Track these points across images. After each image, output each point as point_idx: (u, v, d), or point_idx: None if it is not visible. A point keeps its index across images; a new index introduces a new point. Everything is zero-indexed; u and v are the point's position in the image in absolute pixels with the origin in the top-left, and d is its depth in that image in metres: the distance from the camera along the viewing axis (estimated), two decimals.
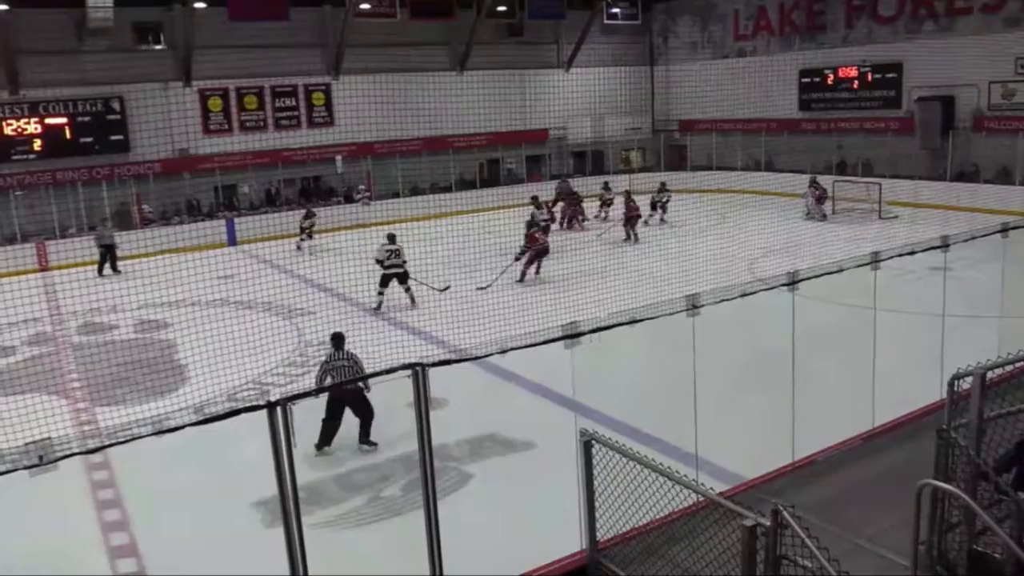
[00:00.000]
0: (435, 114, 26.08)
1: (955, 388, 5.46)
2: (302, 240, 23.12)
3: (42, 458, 4.11)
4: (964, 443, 5.28)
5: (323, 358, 9.66)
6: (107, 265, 21.22)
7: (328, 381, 9.14)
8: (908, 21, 26.66)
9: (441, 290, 16.04)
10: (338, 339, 9.38)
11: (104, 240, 21.40)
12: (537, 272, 17.64)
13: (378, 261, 15.77)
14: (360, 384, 8.69)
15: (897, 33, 26.99)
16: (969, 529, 5.18)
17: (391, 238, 15.98)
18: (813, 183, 24.76)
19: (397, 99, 25.68)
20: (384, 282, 15.77)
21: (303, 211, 24.09)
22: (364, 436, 9.14)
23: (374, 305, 15.73)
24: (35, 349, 14.58)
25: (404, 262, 15.84)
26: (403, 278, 15.82)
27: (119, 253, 21.29)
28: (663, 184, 25.36)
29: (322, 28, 28.11)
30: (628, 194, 22.78)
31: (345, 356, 9.26)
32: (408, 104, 25.96)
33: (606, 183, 26.61)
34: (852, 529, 5.91)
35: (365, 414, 9.06)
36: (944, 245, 8.58)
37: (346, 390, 8.79)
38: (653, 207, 24.66)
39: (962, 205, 23.05)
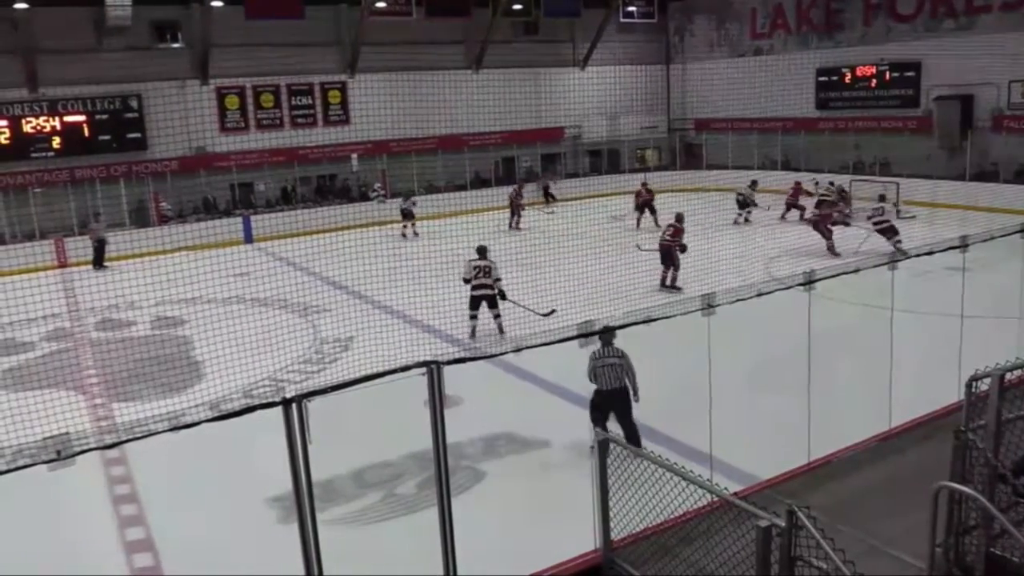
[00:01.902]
0: (450, 112, 26.13)
1: (973, 389, 5.41)
2: (405, 228, 23.82)
3: (60, 453, 4.15)
4: (982, 445, 5.24)
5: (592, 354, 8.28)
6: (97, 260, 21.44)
7: (596, 383, 8.21)
8: (927, 19, 26.45)
9: (545, 314, 13.23)
10: (606, 336, 8.07)
11: (98, 235, 21.59)
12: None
13: (465, 280, 13.55)
14: (628, 386, 8.15)
15: (916, 32, 26.77)
16: (986, 532, 5.14)
17: (480, 251, 13.64)
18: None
19: (413, 97, 25.78)
20: (472, 304, 13.47)
21: (402, 196, 24.92)
22: (631, 438, 7.93)
23: (468, 332, 13.46)
24: (53, 345, 14.70)
25: (497, 280, 13.36)
26: (492, 301, 13.37)
27: (108, 252, 21.51)
28: (754, 182, 24.43)
29: (338, 27, 28.20)
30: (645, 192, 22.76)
31: (614, 353, 8.21)
32: (423, 102, 26.04)
33: (753, 182, 24.76)
34: (868, 530, 5.88)
35: (629, 434, 8.03)
36: (962, 245, 8.51)
37: (614, 391, 8.12)
38: (742, 205, 23.76)
39: (980, 205, 22.86)
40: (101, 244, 21.48)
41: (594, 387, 8.23)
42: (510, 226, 25.01)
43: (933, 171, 25.03)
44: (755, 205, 23.78)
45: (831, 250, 18.20)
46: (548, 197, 28.16)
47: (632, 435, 8.10)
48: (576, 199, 26.03)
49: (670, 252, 16.02)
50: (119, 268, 21.04)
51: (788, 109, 29.29)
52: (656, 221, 22.51)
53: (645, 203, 23.78)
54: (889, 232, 18.04)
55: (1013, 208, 21.63)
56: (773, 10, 31.35)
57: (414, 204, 24.70)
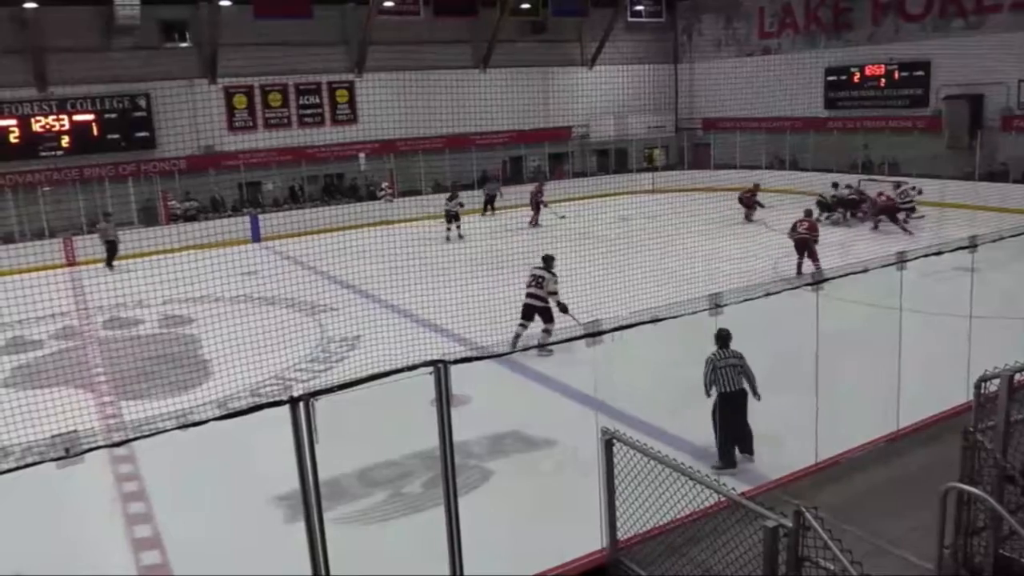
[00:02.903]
0: (458, 112, 26.12)
1: (981, 390, 5.39)
2: (450, 231, 23.24)
3: (69, 450, 4.16)
4: (991, 446, 5.21)
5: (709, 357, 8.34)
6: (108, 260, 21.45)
7: (715, 387, 8.16)
8: (936, 19, 26.34)
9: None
10: (723, 338, 8.24)
11: (108, 235, 21.60)
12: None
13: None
14: (748, 389, 8.13)
15: (925, 31, 26.68)
16: (995, 533, 5.12)
17: (545, 260, 12.93)
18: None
19: (420, 97, 25.82)
20: (523, 313, 12.70)
21: (448, 194, 24.34)
22: (743, 445, 8.22)
23: (512, 335, 12.41)
24: (62, 343, 14.76)
25: (552, 293, 12.49)
26: (546, 315, 12.50)
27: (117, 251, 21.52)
28: (756, 185, 24.71)
29: (345, 26, 28.25)
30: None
31: (732, 354, 8.21)
32: (431, 102, 26.05)
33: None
34: (876, 531, 5.86)
35: (742, 425, 8.18)
36: (972, 245, 8.48)
37: (738, 392, 8.10)
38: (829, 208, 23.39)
39: (990, 205, 22.77)
40: (112, 245, 21.53)
41: (714, 392, 8.18)
42: (533, 223, 25.03)
43: (942, 171, 24.93)
44: (759, 207, 23.80)
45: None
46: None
47: (745, 436, 8.20)
48: (584, 199, 25.97)
49: (806, 243, 16.78)
50: (127, 267, 21.14)
51: (796, 109, 29.20)
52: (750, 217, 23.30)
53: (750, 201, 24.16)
54: (910, 211, 20.65)
55: (1023, 208, 21.58)
56: (781, 9, 31.28)
57: (460, 205, 23.97)
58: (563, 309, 12.25)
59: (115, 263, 21.34)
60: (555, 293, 12.44)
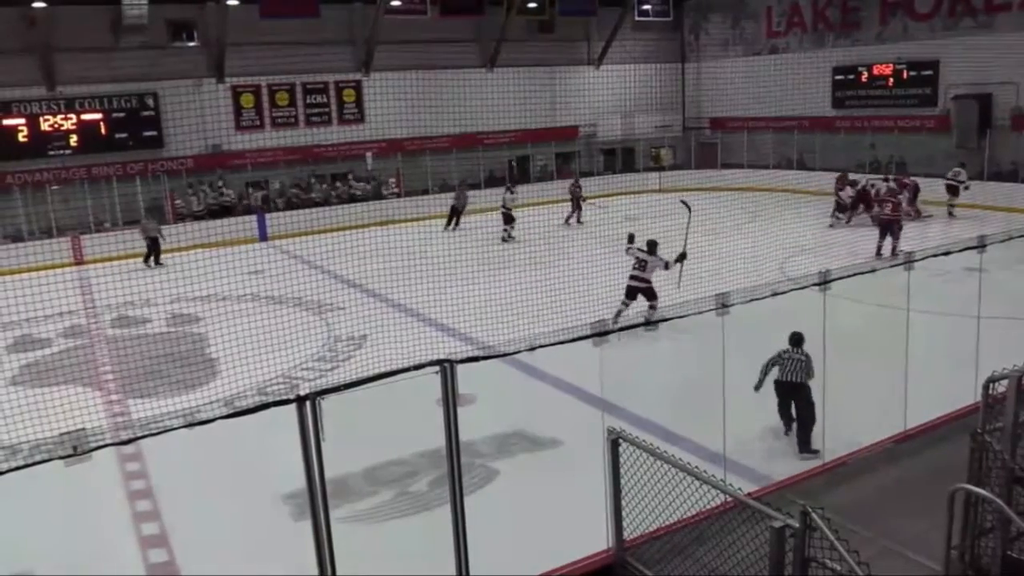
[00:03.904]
0: (465, 111, 26.11)
1: (990, 391, 5.37)
2: (507, 232, 22.78)
3: (76, 448, 4.18)
4: (999, 447, 5.20)
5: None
6: (151, 258, 21.56)
7: (774, 372, 8.71)
8: (945, 18, 26.23)
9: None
10: (797, 338, 8.69)
11: (150, 233, 21.70)
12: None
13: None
14: (806, 383, 8.50)
15: (933, 30, 26.56)
16: (1003, 535, 5.10)
17: (649, 245, 13.55)
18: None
19: (427, 96, 25.82)
20: (626, 293, 13.36)
21: (505, 187, 23.98)
22: (801, 439, 8.49)
23: (613, 312, 12.90)
24: (70, 341, 14.82)
25: (667, 265, 13.33)
26: (649, 294, 13.25)
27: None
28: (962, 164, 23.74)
29: (352, 25, 28.26)
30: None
31: (802, 353, 8.63)
32: (438, 101, 26.07)
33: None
34: (883, 532, 5.85)
35: (805, 416, 8.51)
36: (980, 246, 8.45)
37: (795, 384, 8.57)
38: (954, 191, 23.07)
39: (999, 205, 22.69)
40: (154, 242, 21.64)
41: (775, 377, 8.70)
42: (576, 220, 25.04)
43: (951, 171, 24.82)
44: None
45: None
46: (577, 202, 25.98)
47: (807, 420, 8.48)
48: (591, 198, 25.94)
49: (891, 225, 17.71)
50: (134, 265, 21.22)
51: (804, 108, 29.11)
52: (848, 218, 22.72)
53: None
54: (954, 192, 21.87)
55: None
56: (789, 8, 31.19)
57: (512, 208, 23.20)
58: (681, 259, 13.34)
59: (160, 259, 21.56)
60: (668, 265, 13.30)
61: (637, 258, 13.50)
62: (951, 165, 24.28)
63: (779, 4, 31.53)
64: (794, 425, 8.70)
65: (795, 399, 8.63)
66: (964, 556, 5.22)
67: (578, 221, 25.12)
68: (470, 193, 26.25)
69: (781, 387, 8.68)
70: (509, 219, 22.85)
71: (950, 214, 22.37)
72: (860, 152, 27.83)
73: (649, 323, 11.82)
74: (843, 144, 28.48)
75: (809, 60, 29.27)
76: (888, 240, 17.69)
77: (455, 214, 24.78)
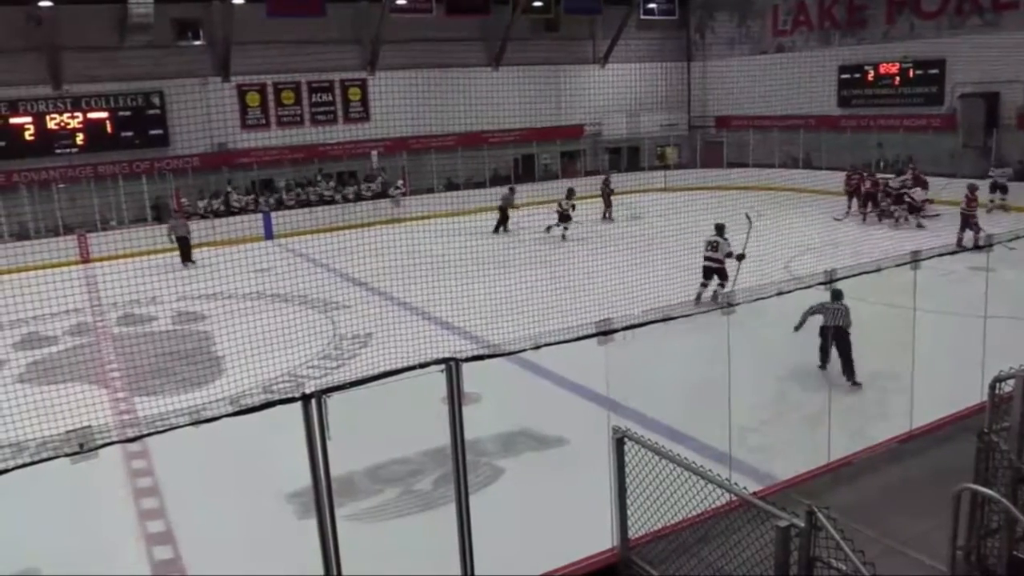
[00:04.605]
0: (470, 110, 26.11)
1: (996, 391, 5.36)
2: (566, 230, 22.59)
3: (83, 446, 4.18)
4: (1005, 447, 5.18)
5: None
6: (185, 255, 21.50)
7: (818, 318, 10.42)
8: (951, 16, 26.14)
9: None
10: (837, 292, 10.24)
11: (178, 232, 21.66)
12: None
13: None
14: (847, 328, 10.22)
15: (940, 29, 26.46)
16: (1009, 535, 5.09)
17: (717, 228, 15.03)
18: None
19: (432, 95, 25.78)
20: (703, 274, 14.88)
21: (566, 190, 23.64)
22: (847, 372, 10.31)
23: (694, 295, 14.27)
24: (76, 339, 14.86)
25: (728, 255, 14.58)
26: (722, 274, 14.69)
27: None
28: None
29: (358, 24, 28.27)
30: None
31: (840, 304, 10.31)
32: (443, 100, 26.03)
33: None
34: (888, 532, 5.83)
35: (846, 355, 10.35)
36: (987, 245, 8.42)
37: (839, 328, 10.26)
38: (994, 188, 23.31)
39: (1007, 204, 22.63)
40: (184, 241, 21.56)
41: (820, 323, 10.49)
42: (606, 217, 25.19)
43: (957, 170, 24.75)
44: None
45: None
46: (608, 199, 26.20)
47: (848, 364, 10.33)
48: (596, 196, 25.91)
49: (968, 219, 18.29)
50: (142, 263, 21.26)
51: (810, 107, 29.01)
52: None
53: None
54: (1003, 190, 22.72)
55: None
56: (795, 7, 31.12)
57: (573, 208, 23.08)
58: (740, 258, 14.44)
59: (191, 257, 21.43)
60: (731, 254, 14.55)
61: (708, 241, 14.82)
62: (957, 164, 24.31)
63: (785, 3, 31.46)
64: (828, 363, 10.55)
65: (838, 341, 10.36)
66: (970, 556, 5.21)
67: (609, 218, 25.22)
68: (477, 192, 26.24)
69: (826, 331, 10.49)
70: (565, 218, 22.80)
71: (1005, 209, 22.66)
72: (866, 151, 27.73)
73: (727, 305, 12.48)
74: (849, 143, 28.40)
75: (815, 59, 29.18)
76: (968, 232, 17.89)
77: (504, 216, 24.65)
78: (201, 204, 25.70)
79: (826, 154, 29.03)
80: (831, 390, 7.76)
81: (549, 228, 22.86)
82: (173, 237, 21.65)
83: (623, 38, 32.41)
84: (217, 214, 25.41)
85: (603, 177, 26.83)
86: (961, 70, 25.74)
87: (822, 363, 10.71)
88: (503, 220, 24.41)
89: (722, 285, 14.50)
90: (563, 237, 22.58)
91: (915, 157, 25.55)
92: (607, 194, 25.77)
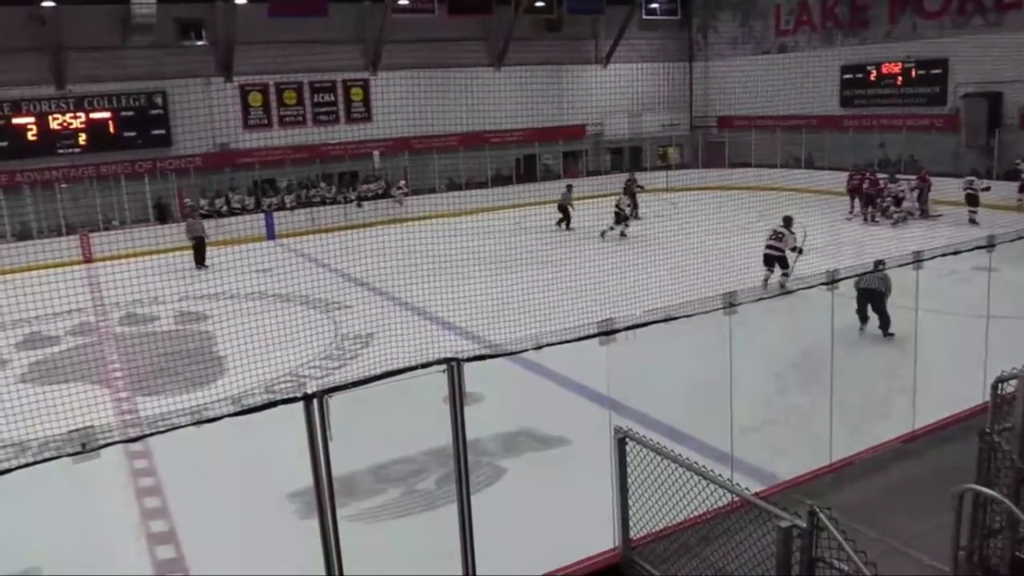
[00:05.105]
0: (472, 110, 26.13)
1: (999, 391, 5.35)
2: (626, 227, 22.48)
3: (85, 446, 4.19)
4: (1007, 447, 5.17)
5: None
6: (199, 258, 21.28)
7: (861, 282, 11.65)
8: (954, 16, 26.12)
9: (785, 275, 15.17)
10: (878, 262, 10.98)
11: (196, 232, 21.50)
12: None
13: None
14: (882, 291, 11.72)
15: (943, 28, 26.44)
16: (1012, 536, 5.08)
17: (785, 220, 15.99)
18: None
19: (434, 95, 25.82)
20: (764, 261, 15.77)
21: (626, 184, 23.76)
22: (882, 327, 11.98)
23: (762, 278, 15.33)
24: (78, 339, 14.88)
25: (792, 248, 15.60)
26: (782, 262, 15.66)
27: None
28: None
29: (360, 24, 28.30)
30: None
31: (881, 272, 11.15)
32: (445, 100, 26.05)
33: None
34: (890, 532, 5.83)
35: (883, 315, 11.91)
36: (990, 245, 8.40)
37: (871, 290, 11.83)
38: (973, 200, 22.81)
39: (1010, 204, 22.59)
40: (200, 242, 21.33)
41: (859, 286, 11.89)
42: (632, 216, 24.96)
43: (960, 170, 24.72)
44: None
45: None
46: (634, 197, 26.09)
47: (882, 321, 12.00)
48: (598, 196, 25.89)
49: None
50: (144, 263, 21.27)
51: (812, 106, 29.04)
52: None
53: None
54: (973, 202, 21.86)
55: None
56: (798, 6, 31.11)
57: (629, 207, 23.30)
58: (799, 252, 15.51)
59: (205, 261, 21.15)
60: (795, 248, 15.60)
61: (775, 231, 15.82)
62: (959, 164, 24.23)
63: (788, 2, 31.45)
64: (865, 324, 12.24)
65: (872, 301, 11.91)
66: (972, 557, 5.20)
67: (636, 217, 25.10)
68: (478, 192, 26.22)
69: (860, 292, 11.97)
70: (623, 217, 22.72)
71: (972, 222, 21.67)
72: (868, 151, 27.72)
73: (785, 292, 13.08)
74: (851, 143, 28.38)
75: (818, 58, 29.17)
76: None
77: (566, 213, 24.69)
78: (203, 203, 25.71)
79: (829, 154, 29.01)
80: (833, 389, 7.75)
81: (603, 234, 22.54)
82: (191, 237, 21.47)
83: (625, 38, 32.41)
84: (220, 214, 25.41)
85: (628, 175, 26.55)
86: (963, 70, 25.73)
87: (861, 324, 12.28)
88: (566, 218, 24.53)
89: (786, 274, 15.52)
90: (622, 235, 22.44)
91: (916, 157, 25.58)
92: (633, 193, 25.54)
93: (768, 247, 15.76)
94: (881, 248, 17.79)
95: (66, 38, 23.83)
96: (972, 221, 21.49)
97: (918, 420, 7.86)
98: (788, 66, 29.69)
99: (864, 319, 12.25)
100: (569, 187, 25.38)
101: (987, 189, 22.13)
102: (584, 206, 23.65)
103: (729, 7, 33.51)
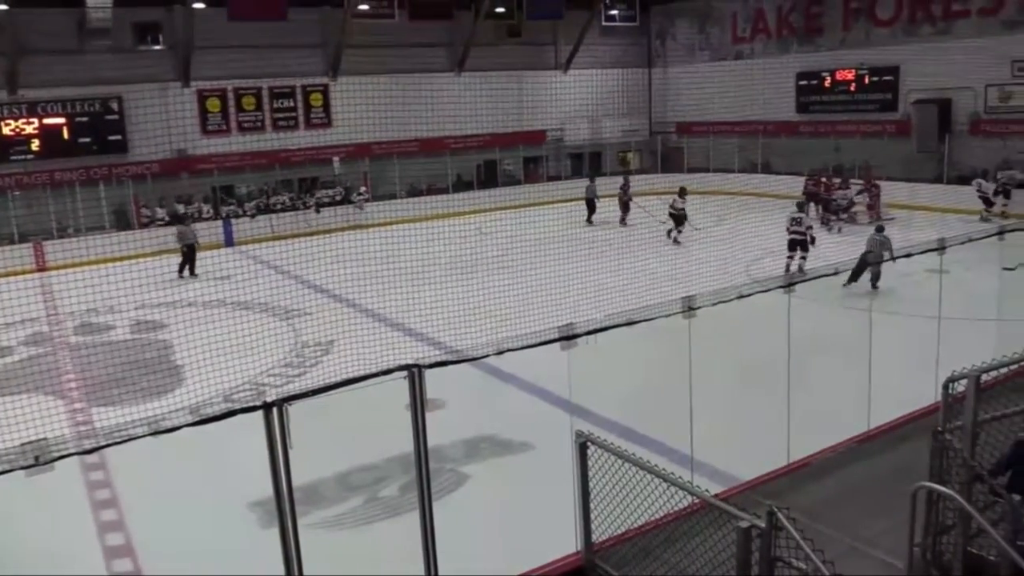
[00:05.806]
0: (433, 115, 26.09)
1: (950, 391, 5.47)
2: (680, 231, 21.76)
3: (38, 459, 4.11)
4: (959, 446, 5.29)
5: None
6: (186, 267, 20.66)
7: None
8: (906, 24, 26.70)
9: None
10: (880, 227, 14.16)
11: (187, 239, 20.90)
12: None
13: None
14: (881, 254, 13.51)
15: (894, 36, 27.02)
16: (964, 531, 5.19)
17: (799, 206, 18.08)
18: None
19: (395, 100, 25.71)
20: (788, 246, 17.00)
21: (678, 189, 22.48)
22: (874, 285, 14.19)
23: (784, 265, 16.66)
24: (32, 349, 14.57)
25: (809, 228, 17.31)
26: (804, 246, 16.89)
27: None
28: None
29: (321, 29, 28.11)
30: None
31: (883, 236, 14.51)
32: (406, 105, 25.99)
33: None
34: (847, 531, 5.92)
35: (875, 273, 14.05)
36: (940, 248, 8.59)
37: (877, 261, 13.59)
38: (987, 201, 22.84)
39: (960, 207, 23.07)
40: (191, 250, 20.68)
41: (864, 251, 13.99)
42: (622, 223, 25.18)
43: (912, 174, 25.26)
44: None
45: None
46: (626, 205, 25.86)
47: (874, 276, 14.12)
48: (558, 202, 26.01)
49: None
50: (100, 271, 20.86)
51: (769, 113, 29.51)
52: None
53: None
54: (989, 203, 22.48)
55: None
56: (754, 14, 31.56)
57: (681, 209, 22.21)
58: (812, 240, 17.18)
59: (195, 270, 20.50)
60: (811, 227, 17.43)
61: (792, 217, 17.22)
62: (912, 168, 24.79)
63: (744, 10, 31.89)
64: (854, 282, 13.72)
65: (872, 267, 13.74)
66: (926, 553, 5.31)
67: (623, 223, 25.23)
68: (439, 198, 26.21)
69: (865, 259, 13.59)
70: (679, 220, 21.94)
71: (1004, 215, 21.96)
72: (824, 156, 28.18)
73: (797, 281, 13.55)
74: (807, 148, 28.83)
75: (774, 66, 29.63)
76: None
77: (591, 206, 24.73)
78: (160, 212, 25.33)
79: (785, 159, 29.44)
80: (790, 391, 7.86)
81: (670, 232, 21.97)
82: (182, 245, 20.87)
83: (585, 44, 32.60)
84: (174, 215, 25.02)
85: (622, 181, 26.40)
86: (915, 77, 26.30)
87: (850, 280, 13.54)
88: (592, 211, 24.92)
89: (804, 258, 16.75)
90: (675, 241, 21.78)
91: (872, 163, 26.06)
92: (624, 201, 25.60)
93: (792, 232, 17.04)
94: (837, 250, 18.14)
95: (19, 42, 23.34)
96: (983, 219, 21.72)
97: (873, 420, 8.00)
98: (745, 73, 30.10)
99: (855, 279, 13.65)
100: (592, 179, 25.75)
101: (999, 192, 22.51)
102: (546, 210, 23.78)
103: (687, 14, 33.89)
